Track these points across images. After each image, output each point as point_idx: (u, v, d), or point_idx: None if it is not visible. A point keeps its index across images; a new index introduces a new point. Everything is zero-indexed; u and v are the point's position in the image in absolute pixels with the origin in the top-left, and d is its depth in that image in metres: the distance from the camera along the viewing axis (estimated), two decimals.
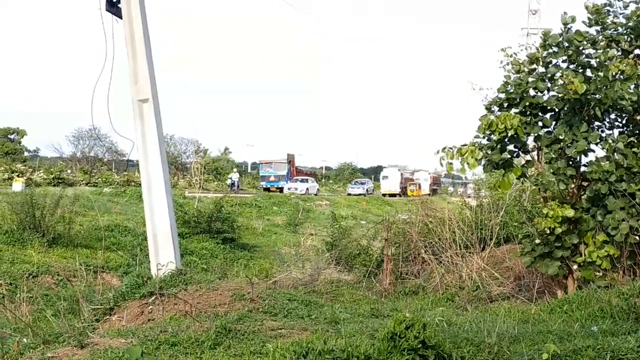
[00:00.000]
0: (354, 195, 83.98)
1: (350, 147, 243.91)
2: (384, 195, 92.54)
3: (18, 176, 49.89)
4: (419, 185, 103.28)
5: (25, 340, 10.02)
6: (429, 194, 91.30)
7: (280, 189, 75.82)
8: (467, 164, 12.65)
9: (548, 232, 12.79)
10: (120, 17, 14.35)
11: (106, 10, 14.42)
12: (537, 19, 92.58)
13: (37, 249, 19.69)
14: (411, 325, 7.62)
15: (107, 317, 12.33)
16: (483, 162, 12.96)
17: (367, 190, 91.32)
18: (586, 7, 13.72)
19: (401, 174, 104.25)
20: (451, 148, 12.82)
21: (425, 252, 17.21)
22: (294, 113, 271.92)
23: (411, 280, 16.89)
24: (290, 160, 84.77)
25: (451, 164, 13.00)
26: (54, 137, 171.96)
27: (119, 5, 14.38)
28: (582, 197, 13.46)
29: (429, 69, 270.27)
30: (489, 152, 12.91)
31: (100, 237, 21.90)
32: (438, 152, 13.01)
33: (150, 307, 11.82)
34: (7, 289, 15.40)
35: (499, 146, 12.93)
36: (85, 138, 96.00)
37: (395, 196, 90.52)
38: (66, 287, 16.75)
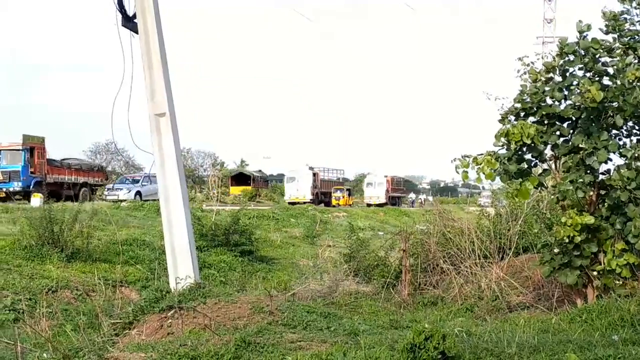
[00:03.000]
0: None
1: (367, 158, 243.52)
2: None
3: (36, 191, 50.02)
4: (349, 191, 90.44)
5: (45, 355, 10.06)
6: (385, 203, 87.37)
7: (380, 204, 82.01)
8: (484, 173, 12.60)
9: (567, 240, 12.71)
10: (137, 32, 14.41)
11: (122, 25, 14.50)
12: (553, 28, 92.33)
13: (56, 264, 19.73)
14: (431, 336, 7.61)
15: (127, 331, 12.34)
16: (500, 171, 12.91)
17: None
18: (603, 14, 13.65)
19: (314, 174, 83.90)
20: (467, 157, 12.78)
21: (443, 262, 17.16)
22: (310, 125, 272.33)
23: (430, 290, 16.84)
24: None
25: (466, 172, 12.95)
26: (72, 152, 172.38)
27: (134, 21, 14.45)
28: (601, 205, 13.38)
29: (447, 79, 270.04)
30: (506, 161, 12.86)
31: (119, 252, 21.92)
32: (453, 160, 12.98)
33: (170, 321, 11.83)
34: (26, 304, 15.44)
35: (515, 156, 12.87)
36: (103, 152, 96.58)
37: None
38: (85, 301, 16.77)
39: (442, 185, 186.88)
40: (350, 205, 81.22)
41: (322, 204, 77.19)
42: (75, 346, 11.32)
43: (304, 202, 74.71)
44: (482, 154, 12.67)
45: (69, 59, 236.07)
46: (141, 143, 15.28)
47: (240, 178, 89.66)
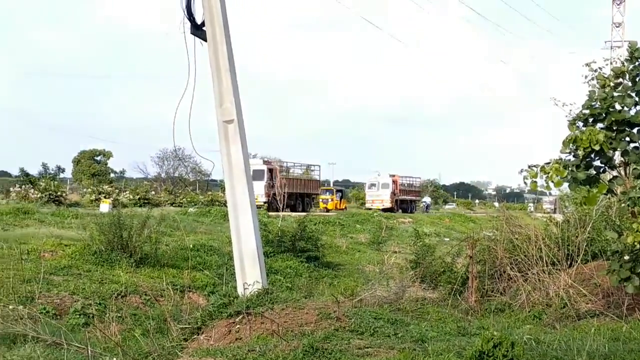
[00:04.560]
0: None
1: (433, 165, 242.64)
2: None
3: (105, 197, 50.69)
4: (342, 194, 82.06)
5: (115, 359, 10.22)
6: (391, 208, 76.14)
7: (386, 209, 72.90)
8: (552, 182, 12.47)
9: (638, 246, 12.51)
10: (205, 40, 14.59)
11: (191, 33, 14.69)
12: (622, 32, 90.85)
13: (125, 269, 19.96)
14: (499, 343, 7.59)
15: (195, 336, 12.47)
16: (568, 179, 12.75)
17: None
18: None
19: (393, 181, 79.63)
20: (534, 166, 12.66)
21: (510, 269, 17.02)
22: (375, 131, 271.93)
23: (497, 297, 16.71)
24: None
25: (535, 182, 12.82)
26: (139, 158, 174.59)
27: (203, 29, 14.62)
28: None
29: (511, 84, 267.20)
30: (574, 169, 12.71)
31: (187, 257, 22.10)
32: (521, 171, 12.88)
33: (238, 326, 11.92)
34: (96, 309, 15.67)
35: (584, 162, 12.71)
36: (170, 159, 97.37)
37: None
38: (154, 306, 16.96)
39: (507, 191, 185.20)
40: (342, 209, 72.50)
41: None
42: (144, 350, 11.51)
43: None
44: (549, 163, 12.54)
45: (132, 68, 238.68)
46: (204, 150, 15.49)
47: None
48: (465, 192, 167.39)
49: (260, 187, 59.49)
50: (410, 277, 18.53)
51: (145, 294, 17.66)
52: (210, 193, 64.82)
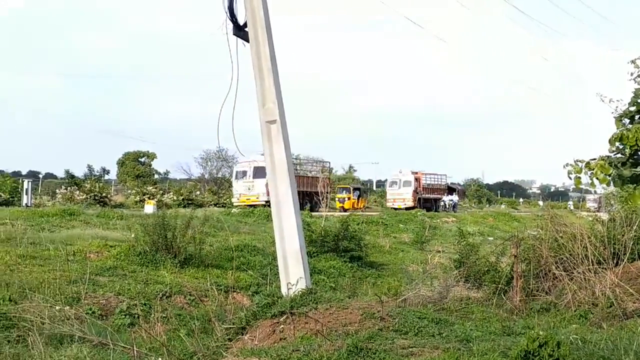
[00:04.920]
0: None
1: (476, 163, 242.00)
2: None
3: (149, 198, 51.11)
4: (360, 192, 76.69)
5: (160, 359, 10.29)
6: (414, 207, 72.01)
7: (408, 209, 69.70)
8: (597, 179, 12.37)
9: None
10: (247, 41, 14.62)
11: (233, 34, 14.73)
12: None
13: (169, 270, 20.11)
14: (545, 343, 7.52)
15: (240, 336, 12.49)
16: (614, 176, 12.64)
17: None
18: None
19: (416, 179, 76.48)
20: (579, 162, 12.57)
21: (555, 268, 16.88)
22: (417, 131, 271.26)
23: (542, 297, 16.57)
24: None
25: (579, 178, 12.73)
26: (182, 159, 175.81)
27: (245, 30, 14.66)
28: None
29: (554, 80, 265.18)
30: (620, 166, 12.59)
31: (230, 257, 22.19)
32: (566, 166, 12.79)
33: (282, 326, 11.92)
34: (141, 309, 15.76)
35: (630, 160, 12.58)
36: (213, 159, 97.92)
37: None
38: (198, 306, 17.04)
39: (552, 190, 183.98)
40: (361, 209, 67.33)
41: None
42: (189, 350, 11.57)
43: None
44: (594, 159, 12.45)
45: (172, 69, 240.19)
46: (248, 151, 15.56)
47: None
48: (510, 190, 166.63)
49: (261, 185, 56.89)
50: (454, 277, 18.44)
51: (190, 294, 17.75)
52: None
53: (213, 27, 14.80)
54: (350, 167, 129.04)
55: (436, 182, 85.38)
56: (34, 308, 13.27)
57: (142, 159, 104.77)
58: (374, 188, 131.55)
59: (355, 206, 70.35)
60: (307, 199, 61.57)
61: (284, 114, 14.46)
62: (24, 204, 43.92)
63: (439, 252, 29.44)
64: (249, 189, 59.34)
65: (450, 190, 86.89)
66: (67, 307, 14.08)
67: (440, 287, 17.16)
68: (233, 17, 14.83)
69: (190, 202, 57.28)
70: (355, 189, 77.00)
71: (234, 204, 57.34)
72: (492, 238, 40.15)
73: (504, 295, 16.85)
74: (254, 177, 59.50)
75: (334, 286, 21.46)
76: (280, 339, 11.48)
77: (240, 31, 14.75)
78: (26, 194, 46.20)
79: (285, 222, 14.32)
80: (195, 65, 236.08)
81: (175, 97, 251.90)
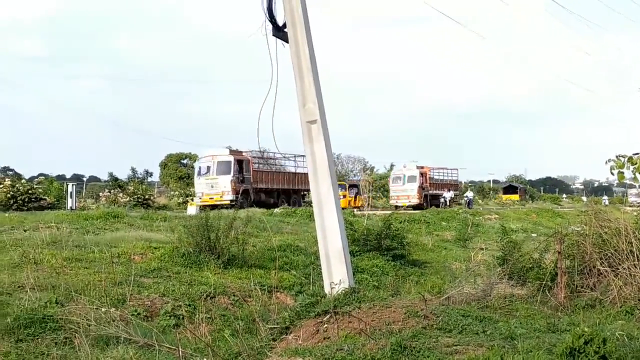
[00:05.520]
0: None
1: (518, 160, 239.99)
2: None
3: (192, 200, 51.36)
4: (357, 190, 69.98)
5: (205, 359, 10.36)
6: (420, 204, 66.97)
7: (414, 207, 65.16)
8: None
9: None
10: (287, 42, 14.68)
11: (273, 35, 14.81)
12: None
13: (213, 271, 20.18)
14: (590, 339, 7.49)
15: (283, 336, 12.55)
16: None
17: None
18: None
19: (422, 173, 70.61)
20: (622, 157, 12.44)
21: (600, 264, 16.74)
22: (457, 128, 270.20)
23: (587, 293, 16.45)
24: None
25: (622, 173, 12.60)
26: None
27: (284, 30, 14.72)
28: None
29: (597, 75, 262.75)
30: None
31: (273, 257, 22.22)
32: (608, 161, 12.66)
33: (326, 325, 11.96)
34: (186, 310, 15.86)
35: None
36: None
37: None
38: (242, 307, 17.10)
39: (596, 185, 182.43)
40: (358, 207, 61.07)
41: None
42: (234, 351, 11.64)
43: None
44: (637, 154, 12.32)
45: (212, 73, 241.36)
46: (287, 150, 15.62)
47: (509, 188, 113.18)
48: (552, 186, 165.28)
49: (225, 182, 51.98)
50: (498, 274, 18.35)
51: (234, 295, 17.82)
52: None
53: (253, 29, 14.87)
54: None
55: (445, 177, 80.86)
56: (80, 310, 13.43)
57: (185, 161, 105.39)
58: None
59: (352, 205, 65.73)
60: (283, 197, 58.82)
61: (324, 113, 14.49)
62: (68, 208, 44.34)
63: (482, 249, 29.31)
64: (212, 186, 52.45)
65: (453, 186, 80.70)
66: (113, 309, 14.24)
67: (483, 285, 17.08)
68: (272, 18, 14.90)
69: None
70: (352, 186, 73.42)
71: (196, 204, 50.35)
72: (535, 234, 39.77)
73: (548, 292, 16.74)
74: (217, 174, 52.84)
75: (377, 285, 21.43)
76: (324, 339, 11.51)
77: (279, 32, 14.82)
78: (70, 197, 46.63)
79: (328, 221, 14.36)
80: (236, 67, 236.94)
81: (218, 98, 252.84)
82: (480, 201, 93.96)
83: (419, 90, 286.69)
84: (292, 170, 63.47)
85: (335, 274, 14.10)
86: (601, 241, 17.40)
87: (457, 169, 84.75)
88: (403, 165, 73.82)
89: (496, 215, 56.42)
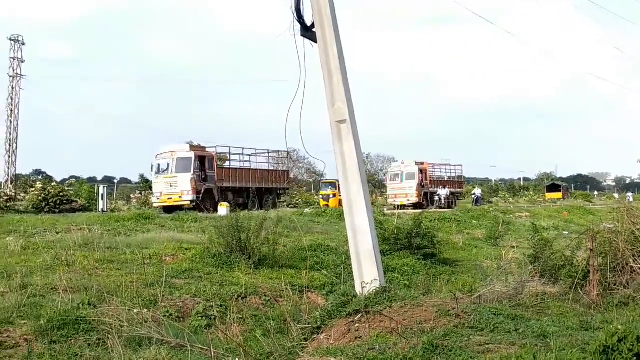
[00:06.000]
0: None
1: (549, 157, 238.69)
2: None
3: (223, 201, 51.50)
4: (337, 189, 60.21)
5: (237, 359, 10.39)
6: (420, 203, 62.90)
7: (413, 206, 61.58)
8: None
9: None
10: (315, 42, 14.67)
11: (301, 35, 14.79)
12: None
13: (244, 271, 20.23)
14: (624, 337, 7.43)
15: (315, 335, 12.55)
16: None
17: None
18: None
19: (421, 170, 65.91)
20: None
21: (633, 261, 16.64)
22: (487, 126, 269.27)
23: (620, 290, 16.35)
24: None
25: None
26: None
27: (313, 30, 14.71)
28: None
29: (628, 70, 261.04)
30: None
31: (304, 257, 22.24)
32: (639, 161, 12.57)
33: (357, 325, 11.94)
34: (218, 311, 15.92)
35: None
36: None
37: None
38: (274, 307, 17.13)
39: (628, 182, 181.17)
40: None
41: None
42: (266, 351, 11.67)
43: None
44: None
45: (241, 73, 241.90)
46: (316, 150, 15.63)
47: (552, 187, 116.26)
48: (584, 184, 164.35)
49: (185, 180, 46.65)
50: (530, 272, 18.28)
51: (265, 295, 17.85)
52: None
53: (281, 29, 14.87)
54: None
55: (448, 174, 76.57)
56: (113, 311, 13.51)
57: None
58: None
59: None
60: (255, 197, 52.78)
61: (353, 113, 14.46)
62: (100, 210, 44.61)
63: (513, 247, 29.15)
64: (171, 185, 47.36)
65: (456, 184, 76.70)
66: (145, 310, 14.32)
67: (515, 283, 17.01)
68: (300, 18, 14.89)
69: None
70: None
71: (154, 205, 48.42)
72: (567, 232, 39.55)
73: (581, 290, 16.65)
74: (176, 171, 47.53)
75: (408, 284, 21.40)
76: (356, 338, 11.50)
77: (307, 32, 14.80)
78: (102, 199, 46.86)
79: (358, 221, 14.33)
80: (265, 67, 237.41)
81: (247, 98, 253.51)
82: (511, 199, 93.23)
83: (448, 89, 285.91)
84: (266, 167, 58.05)
85: (366, 273, 14.07)
86: (634, 238, 17.29)
87: (461, 165, 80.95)
88: (401, 162, 68.64)
89: (527, 213, 56.14)
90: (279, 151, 58.83)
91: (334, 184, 62.91)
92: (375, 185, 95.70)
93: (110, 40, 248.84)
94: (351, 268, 14.86)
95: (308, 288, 19.03)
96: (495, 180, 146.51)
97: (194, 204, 46.05)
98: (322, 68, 14.51)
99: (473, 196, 77.59)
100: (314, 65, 14.65)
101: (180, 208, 44.94)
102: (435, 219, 42.18)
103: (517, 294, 16.06)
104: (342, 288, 16.34)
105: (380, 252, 16.20)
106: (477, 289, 16.08)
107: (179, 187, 46.65)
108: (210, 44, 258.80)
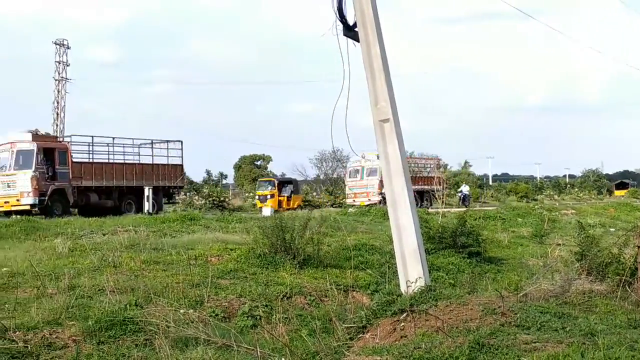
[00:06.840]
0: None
1: (595, 154, 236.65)
2: (364, 206, 48.31)
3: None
4: (296, 186, 60.29)
5: (283, 359, 10.44)
6: (379, 202, 50.89)
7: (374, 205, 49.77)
8: None
9: None
10: (357, 41, 14.71)
11: (344, 34, 14.85)
12: None
13: (289, 271, 20.25)
14: None
15: (361, 335, 12.57)
16: None
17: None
18: None
19: None
20: None
21: None
22: (531, 122, 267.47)
23: None
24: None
25: None
26: (297, 161, 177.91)
27: (355, 30, 14.74)
28: None
29: None
30: None
31: (348, 257, 22.22)
32: None
33: (402, 324, 11.94)
34: (263, 311, 15.97)
35: None
36: (328, 160, 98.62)
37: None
38: (319, 306, 17.16)
39: None
40: (293, 208, 51.16)
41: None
42: (311, 350, 11.68)
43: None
44: None
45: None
46: (360, 149, 15.64)
47: (621, 185, 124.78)
48: (630, 180, 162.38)
49: (24, 179, 38.43)
50: (576, 270, 18.14)
51: (310, 295, 17.89)
52: None
53: (324, 29, 14.92)
54: (466, 162, 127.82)
55: (422, 169, 65.74)
56: (159, 312, 13.61)
57: (258, 162, 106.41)
58: (490, 183, 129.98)
59: (285, 206, 54.51)
60: (130, 197, 46.10)
61: (396, 112, 14.46)
62: (145, 211, 44.84)
63: (559, 245, 28.92)
64: (9, 185, 39.14)
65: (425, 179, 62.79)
66: (191, 311, 14.40)
67: (561, 281, 16.87)
68: (342, 17, 14.94)
69: (307, 203, 57.67)
70: (283, 183, 60.14)
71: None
72: (613, 229, 39.18)
73: (629, 288, 16.50)
74: (15, 168, 39.44)
75: (453, 283, 21.27)
76: (401, 337, 11.50)
77: (350, 31, 14.84)
78: (147, 200, 47.04)
79: (402, 220, 14.33)
80: (307, 66, 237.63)
81: (289, 98, 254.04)
82: (556, 197, 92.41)
83: (492, 85, 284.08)
84: (148, 161, 48.22)
85: (411, 272, 14.07)
86: None
87: (437, 159, 74.72)
88: (361, 156, 54.41)
89: (573, 211, 55.70)
90: (168, 141, 50.01)
91: (272, 183, 58.70)
92: None
93: (153, 42, 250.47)
94: (396, 267, 14.85)
95: (353, 287, 19.04)
96: (540, 178, 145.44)
97: (37, 208, 38.34)
98: (364, 68, 14.55)
99: (459, 194, 72.14)
100: (357, 64, 14.70)
101: (20, 213, 35.70)
102: (479, 217, 41.98)
103: (564, 292, 15.94)
104: (386, 287, 16.34)
105: (425, 250, 16.18)
106: (523, 287, 15.97)
107: (17, 188, 38.65)
108: (253, 43, 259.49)
